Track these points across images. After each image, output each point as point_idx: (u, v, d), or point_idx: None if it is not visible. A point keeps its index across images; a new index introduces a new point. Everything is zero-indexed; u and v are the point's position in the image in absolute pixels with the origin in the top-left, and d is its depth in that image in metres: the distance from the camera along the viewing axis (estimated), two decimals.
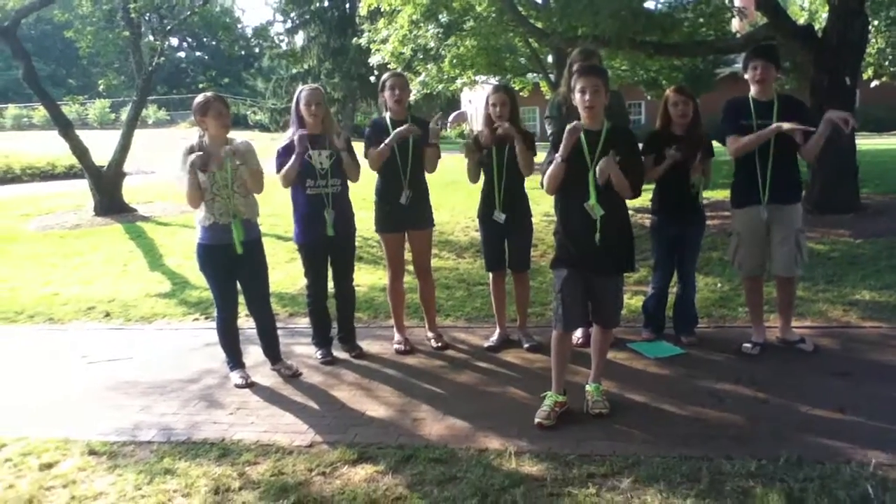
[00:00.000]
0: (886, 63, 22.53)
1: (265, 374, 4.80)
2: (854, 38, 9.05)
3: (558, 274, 3.93)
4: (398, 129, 4.82)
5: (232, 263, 4.50)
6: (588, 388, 4.07)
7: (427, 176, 5.17)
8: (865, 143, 17.97)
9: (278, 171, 4.78)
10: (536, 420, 3.83)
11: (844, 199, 8.94)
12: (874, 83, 25.56)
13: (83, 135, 13.26)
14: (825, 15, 9.91)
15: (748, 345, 4.76)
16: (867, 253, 7.07)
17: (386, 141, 4.83)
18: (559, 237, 3.98)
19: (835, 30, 9.02)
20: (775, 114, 4.48)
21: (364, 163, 4.98)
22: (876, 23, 18.06)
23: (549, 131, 4.81)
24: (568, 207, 3.91)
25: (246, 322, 5.15)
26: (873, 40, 19.75)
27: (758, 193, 4.58)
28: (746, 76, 4.62)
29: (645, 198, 4.53)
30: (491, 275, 5.19)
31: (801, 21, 16.46)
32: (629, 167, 3.74)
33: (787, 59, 13.41)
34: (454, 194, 10.79)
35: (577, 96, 3.79)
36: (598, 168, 3.69)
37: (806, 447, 3.42)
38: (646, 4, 12.14)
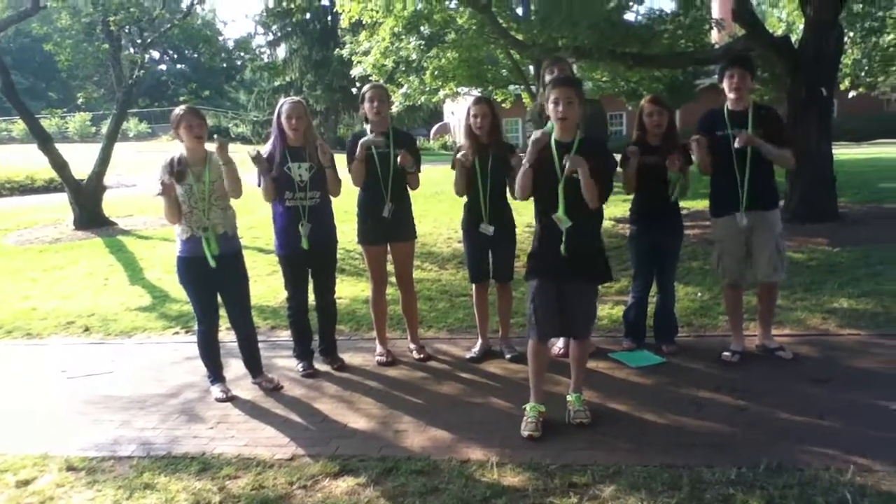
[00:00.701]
0: (862, 74, 22.85)
1: (246, 388, 4.78)
2: (829, 50, 9.18)
3: (531, 284, 3.96)
4: (363, 140, 4.82)
5: (212, 276, 4.48)
6: (569, 398, 4.09)
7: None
8: (843, 152, 18.20)
9: (258, 183, 4.78)
10: (525, 433, 3.83)
11: (823, 209, 9.05)
12: (851, 94, 25.91)
13: (63, 148, 13.17)
14: (802, 26, 10.04)
15: (728, 353, 4.79)
16: (845, 261, 7.15)
17: (356, 155, 4.84)
18: (532, 247, 4.00)
19: (811, 41, 9.16)
20: (750, 123, 4.54)
21: (347, 177, 4.98)
22: (851, 34, 18.33)
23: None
24: (540, 218, 3.93)
25: (227, 335, 5.12)
26: (849, 51, 20.03)
27: (737, 201, 4.62)
28: (723, 85, 4.65)
29: (624, 207, 4.57)
30: (474, 286, 5.20)
31: (779, 32, 16.67)
32: (599, 175, 3.74)
33: (765, 71, 13.58)
34: (437, 205, 10.81)
35: (549, 107, 3.81)
36: (566, 161, 3.68)
37: (785, 454, 3.44)
38: (625, 17, 12.28)
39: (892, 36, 19.01)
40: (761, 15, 24.38)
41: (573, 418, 3.97)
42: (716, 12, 17.09)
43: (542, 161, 3.80)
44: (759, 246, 4.67)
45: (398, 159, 4.84)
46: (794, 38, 11.19)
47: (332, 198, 4.98)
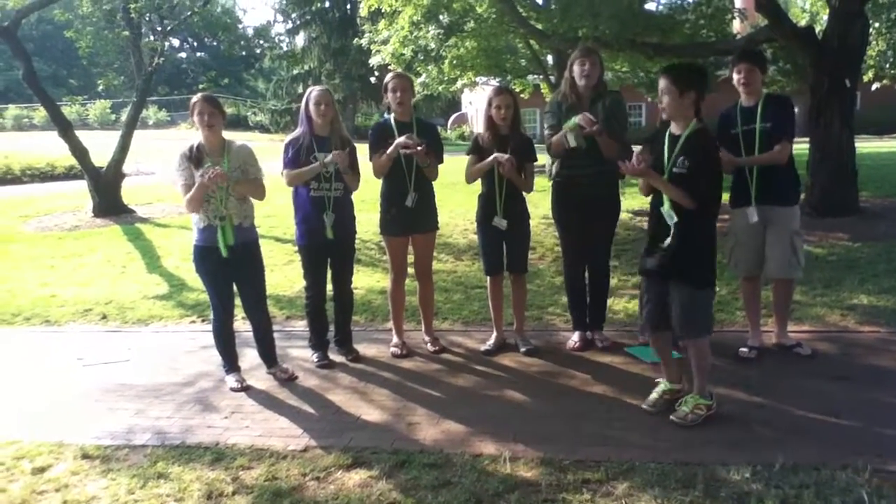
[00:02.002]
0: (887, 66, 22.52)
1: (260, 378, 4.79)
2: (854, 41, 9.02)
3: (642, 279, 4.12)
4: (398, 141, 4.77)
5: (228, 266, 4.48)
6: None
7: None
8: (865, 146, 17.94)
9: (286, 166, 4.79)
10: (643, 406, 4.01)
11: (844, 202, 8.92)
12: (875, 86, 25.55)
13: (83, 135, 13.25)
14: (826, 17, 9.89)
15: (745, 349, 4.74)
16: (865, 256, 7.05)
17: (388, 152, 4.81)
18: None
19: (835, 32, 9.01)
20: (758, 117, 4.47)
21: (368, 167, 4.97)
22: (877, 25, 18.04)
23: (546, 127, 4.99)
24: (652, 212, 4.05)
25: (243, 325, 5.13)
26: (874, 42, 19.72)
27: (748, 195, 4.58)
28: (734, 81, 4.59)
29: (643, 200, 4.52)
30: (489, 278, 5.18)
31: (802, 23, 16.46)
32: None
33: (787, 62, 13.40)
34: (453, 196, 10.77)
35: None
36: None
37: (802, 453, 3.40)
38: (646, 6, 12.15)
39: None
40: (784, 5, 24.07)
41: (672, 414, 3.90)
42: (738, 2, 16.86)
43: (655, 154, 3.83)
44: (772, 241, 4.61)
45: (416, 151, 4.77)
46: (817, 28, 11.03)
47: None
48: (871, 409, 3.88)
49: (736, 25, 15.02)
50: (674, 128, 3.81)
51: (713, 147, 3.80)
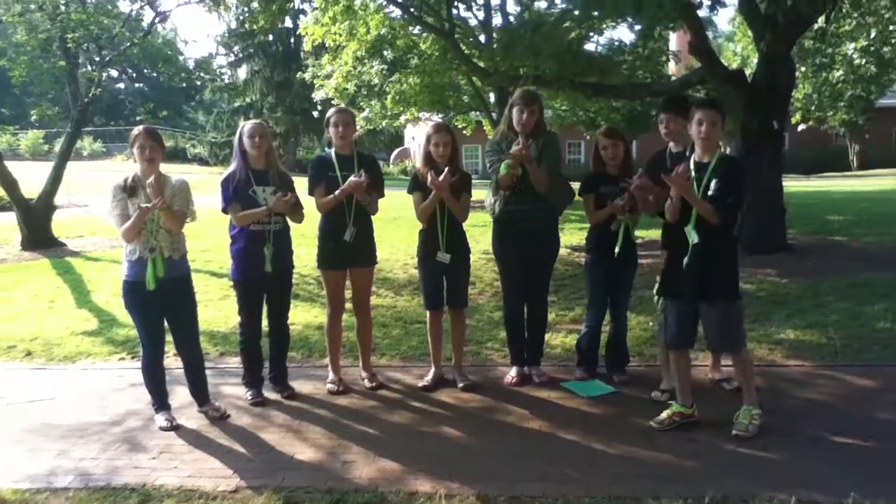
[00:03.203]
0: (813, 108, 23.59)
1: (192, 416, 4.65)
2: (782, 84, 9.43)
3: (664, 301, 4.29)
4: (347, 183, 4.74)
5: (159, 301, 4.37)
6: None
7: None
8: (793, 185, 18.63)
9: (227, 203, 4.74)
10: (651, 423, 4.18)
11: (773, 240, 9.22)
12: (801, 127, 26.67)
13: (14, 166, 12.87)
14: (756, 60, 10.30)
15: (657, 392, 4.72)
16: (793, 292, 7.28)
17: (335, 194, 4.80)
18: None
19: (764, 75, 9.39)
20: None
21: (310, 200, 4.94)
22: (803, 69, 18.91)
23: (488, 164, 5.05)
24: (670, 235, 4.25)
25: (174, 362, 5.00)
26: (801, 86, 20.67)
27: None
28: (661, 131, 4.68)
29: (580, 236, 4.59)
30: (429, 313, 5.17)
31: (735, 66, 17.10)
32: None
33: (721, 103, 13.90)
34: (395, 231, 10.79)
35: (693, 127, 4.02)
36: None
37: (731, 486, 3.46)
38: (585, 47, 12.47)
39: (840, 72, 19.65)
40: (717, 48, 25.06)
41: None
42: (673, 45, 17.45)
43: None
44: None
45: (352, 183, 4.75)
46: (748, 71, 11.47)
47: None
48: (798, 442, 3.98)
49: (671, 67, 15.56)
50: (698, 156, 4.07)
51: (743, 171, 4.20)
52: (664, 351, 4.77)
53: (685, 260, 3.98)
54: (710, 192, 3.94)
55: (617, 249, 4.81)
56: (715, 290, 4.00)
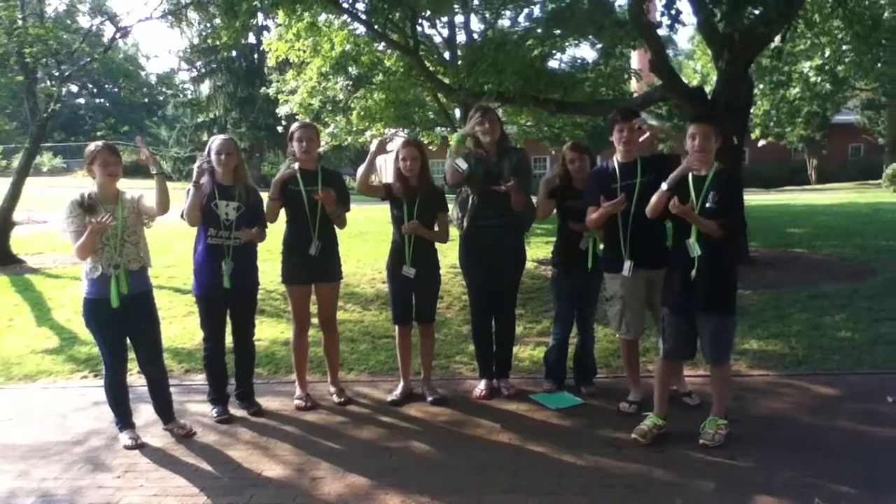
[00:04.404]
0: (771, 124, 24.12)
1: (156, 434, 4.58)
2: (740, 101, 9.62)
3: (663, 310, 4.33)
4: (278, 178, 4.83)
5: (121, 319, 4.30)
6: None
7: None
8: (753, 199, 18.99)
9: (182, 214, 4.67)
10: (633, 435, 4.16)
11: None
12: (761, 143, 27.23)
13: None
14: (716, 78, 10.51)
15: (625, 404, 4.75)
16: (755, 304, 7.41)
17: (270, 193, 4.85)
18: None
19: (722, 92, 9.57)
20: (638, 172, 4.45)
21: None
22: (761, 86, 19.34)
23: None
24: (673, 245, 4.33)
25: (138, 379, 4.92)
26: (759, 103, 21.13)
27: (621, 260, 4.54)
28: (612, 138, 4.57)
29: (546, 249, 4.62)
30: (397, 327, 5.15)
31: (694, 83, 17.41)
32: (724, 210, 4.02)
33: (681, 119, 14.15)
34: (361, 245, 10.74)
35: (687, 141, 4.09)
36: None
37: (700, 495, 3.51)
38: (549, 64, 12.61)
39: (797, 90, 20.14)
40: (678, 66, 25.54)
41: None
42: (635, 63, 17.71)
43: (678, 191, 4.01)
44: (658, 301, 4.52)
45: (320, 196, 4.77)
46: (708, 88, 11.69)
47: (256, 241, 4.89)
48: (764, 449, 4.04)
49: (633, 85, 15.78)
50: (696, 170, 4.09)
51: (741, 181, 4.10)
52: (630, 363, 4.83)
53: (693, 273, 4.03)
54: (707, 205, 3.99)
55: (590, 265, 4.87)
56: (715, 301, 4.05)
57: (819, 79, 18.48)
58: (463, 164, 4.85)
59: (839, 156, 34.63)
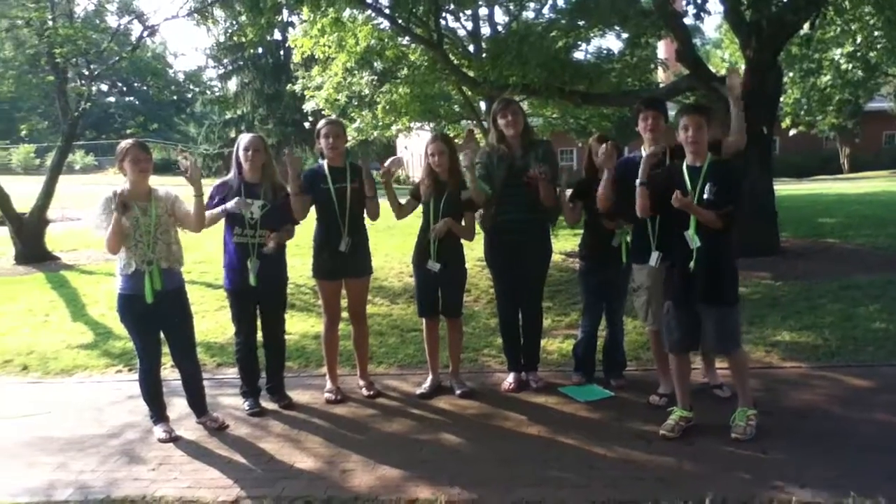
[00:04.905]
0: (802, 113, 23.73)
1: (190, 428, 4.65)
2: (769, 90, 9.50)
3: (666, 304, 4.28)
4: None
5: (154, 314, 4.37)
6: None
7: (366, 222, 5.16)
8: (784, 188, 18.71)
9: (207, 206, 4.71)
10: (661, 432, 4.13)
11: (765, 243, 9.26)
12: (792, 132, 26.81)
13: (5, 181, 12.85)
14: (744, 66, 10.37)
15: (655, 396, 4.74)
16: (787, 295, 7.32)
17: (290, 189, 4.84)
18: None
19: (751, 82, 9.44)
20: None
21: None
22: (791, 75, 19.05)
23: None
24: (669, 239, 4.27)
25: (171, 373, 4.99)
26: (789, 91, 20.80)
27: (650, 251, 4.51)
28: (638, 128, 4.56)
29: (574, 242, 4.61)
30: (424, 321, 5.18)
31: (722, 72, 17.17)
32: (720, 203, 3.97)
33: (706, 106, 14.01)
34: (389, 239, 10.79)
35: (680, 133, 4.05)
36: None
37: (730, 488, 3.49)
38: (574, 55, 12.54)
39: (828, 77, 19.78)
40: (705, 55, 25.23)
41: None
42: (661, 52, 17.55)
43: (674, 183, 4.00)
44: None
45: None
46: None
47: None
48: (796, 442, 4.01)
49: (660, 75, 15.65)
50: (691, 160, 4.08)
51: (738, 171, 4.23)
52: (660, 355, 4.79)
53: (691, 265, 4.01)
54: (705, 196, 3.96)
55: (624, 260, 4.86)
56: (716, 292, 4.03)
57: (850, 66, 18.12)
58: (486, 188, 4.90)
59: (873, 144, 33.95)
